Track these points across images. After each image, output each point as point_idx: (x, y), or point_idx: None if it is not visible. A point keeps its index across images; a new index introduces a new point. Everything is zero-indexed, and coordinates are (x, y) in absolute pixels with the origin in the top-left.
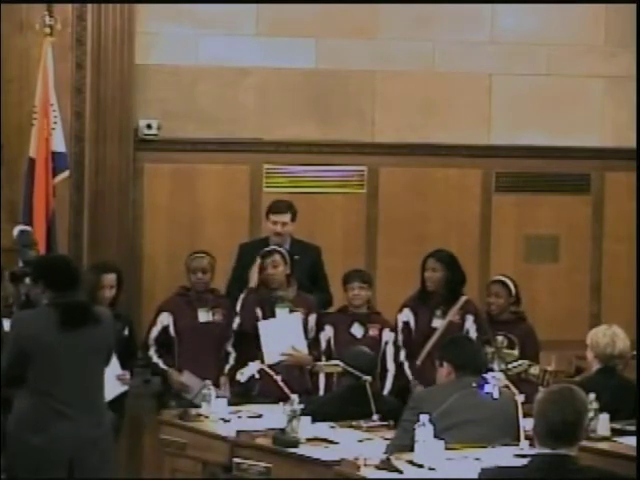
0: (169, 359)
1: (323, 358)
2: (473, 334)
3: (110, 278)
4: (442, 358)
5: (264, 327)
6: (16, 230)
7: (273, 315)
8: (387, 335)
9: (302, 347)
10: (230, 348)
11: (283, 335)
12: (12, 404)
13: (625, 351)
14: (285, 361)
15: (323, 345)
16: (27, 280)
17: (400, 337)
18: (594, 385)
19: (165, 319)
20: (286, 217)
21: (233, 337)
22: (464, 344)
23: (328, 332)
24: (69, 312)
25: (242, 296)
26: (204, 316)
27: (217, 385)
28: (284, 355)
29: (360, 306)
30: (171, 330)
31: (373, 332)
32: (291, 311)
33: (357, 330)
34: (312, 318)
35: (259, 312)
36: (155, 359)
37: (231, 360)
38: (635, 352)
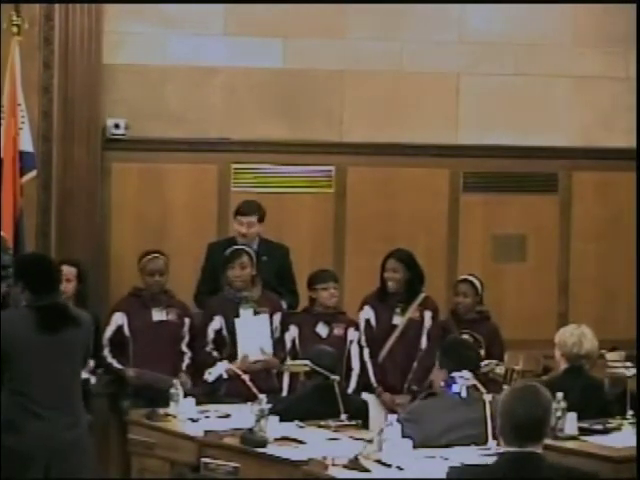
0: (123, 359)
1: (288, 358)
2: (427, 328)
3: (69, 270)
4: (440, 363)
5: (241, 325)
6: None
7: (237, 315)
8: (352, 334)
9: (269, 348)
10: (185, 348)
11: (252, 335)
12: None
13: (593, 351)
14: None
15: (288, 345)
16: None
17: (363, 336)
18: (562, 384)
19: (119, 319)
20: (252, 218)
21: (188, 336)
22: (459, 350)
23: (293, 332)
24: (47, 314)
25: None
26: (158, 315)
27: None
28: (256, 362)
29: (330, 307)
30: (125, 330)
31: (338, 331)
32: (255, 312)
33: (322, 329)
34: (277, 317)
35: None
36: (109, 359)
37: (186, 359)
38: (603, 352)
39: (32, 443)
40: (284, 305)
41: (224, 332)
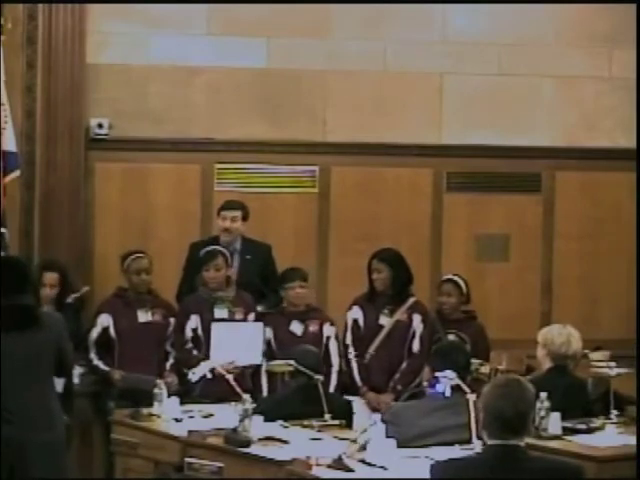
0: (109, 360)
1: (263, 359)
2: (419, 333)
3: (51, 277)
4: (428, 362)
5: (217, 329)
6: None
7: (212, 316)
8: (328, 330)
9: (257, 357)
10: (170, 348)
11: (237, 342)
12: None
13: (578, 351)
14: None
15: (263, 345)
16: None
17: (349, 335)
18: (545, 384)
19: (105, 320)
20: (236, 213)
21: (173, 337)
22: (450, 353)
23: (267, 333)
24: (10, 315)
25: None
26: (143, 316)
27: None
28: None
29: (300, 305)
30: (111, 331)
31: (313, 328)
32: (230, 311)
33: (296, 328)
34: (251, 317)
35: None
36: (95, 361)
37: (171, 359)
38: (587, 351)
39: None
40: (268, 304)
41: (199, 331)
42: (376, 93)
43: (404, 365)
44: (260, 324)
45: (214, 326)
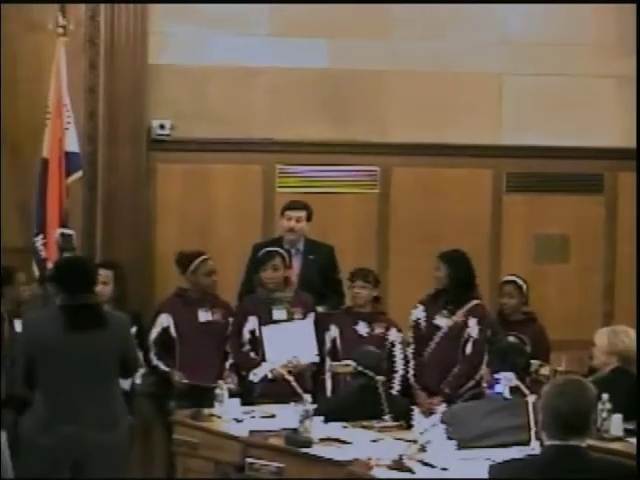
0: (169, 360)
1: (328, 358)
2: (474, 337)
3: (104, 274)
4: (488, 363)
5: (268, 332)
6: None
7: (270, 317)
8: (394, 335)
9: (312, 353)
10: (229, 347)
11: (290, 342)
12: (27, 405)
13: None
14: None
15: (328, 345)
16: None
17: (410, 333)
18: (608, 385)
19: (165, 320)
20: (301, 213)
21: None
22: (509, 354)
23: (333, 332)
24: (76, 315)
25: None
26: (204, 316)
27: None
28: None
29: (362, 305)
30: (172, 331)
31: (379, 330)
32: (288, 312)
33: (363, 328)
34: (310, 317)
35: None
36: (155, 361)
37: (231, 358)
38: None
39: (63, 444)
40: (329, 305)
41: (257, 333)
42: (436, 93)
43: (456, 368)
44: (309, 320)
45: (264, 330)
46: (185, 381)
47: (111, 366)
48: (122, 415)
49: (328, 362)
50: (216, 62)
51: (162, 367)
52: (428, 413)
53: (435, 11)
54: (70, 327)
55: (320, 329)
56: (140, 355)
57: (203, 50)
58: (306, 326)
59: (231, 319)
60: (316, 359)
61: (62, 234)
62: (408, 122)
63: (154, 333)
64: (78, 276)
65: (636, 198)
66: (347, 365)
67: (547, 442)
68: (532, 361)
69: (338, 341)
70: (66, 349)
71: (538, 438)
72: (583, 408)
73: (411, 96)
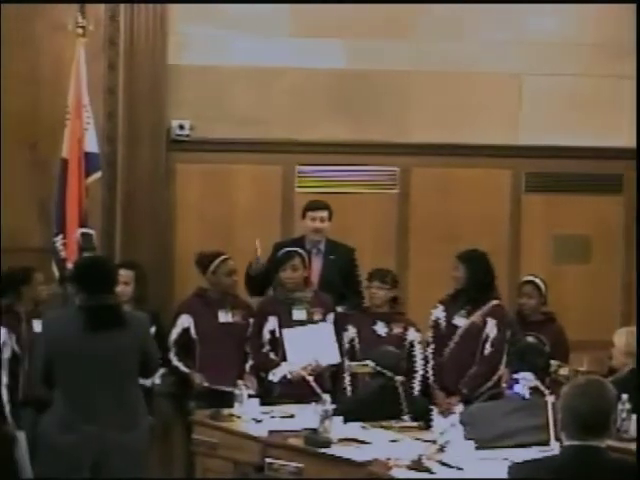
0: (189, 361)
1: (346, 358)
2: (492, 337)
3: (126, 274)
4: (507, 363)
5: (289, 336)
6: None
7: (290, 317)
8: (413, 335)
9: (334, 355)
10: (249, 348)
11: (311, 344)
12: (47, 405)
13: None
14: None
15: (346, 345)
16: None
17: (430, 333)
18: (627, 385)
19: (185, 321)
20: (324, 213)
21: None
22: (528, 355)
23: (351, 332)
24: (95, 316)
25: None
26: (224, 317)
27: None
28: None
29: (380, 305)
30: (192, 332)
31: (397, 330)
32: (308, 312)
33: (381, 329)
34: (330, 318)
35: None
36: (175, 362)
37: (250, 360)
38: None
39: (81, 444)
40: (349, 306)
41: (277, 333)
42: (455, 94)
43: (473, 369)
44: (330, 322)
45: (285, 334)
46: (205, 384)
47: (131, 366)
48: (142, 415)
49: (346, 362)
50: (236, 63)
51: (182, 368)
52: (446, 413)
53: (453, 11)
54: (89, 328)
55: (338, 329)
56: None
57: (223, 51)
58: (326, 328)
59: (251, 320)
60: (338, 360)
61: (83, 234)
62: (427, 122)
63: (174, 334)
64: (98, 276)
65: (636, 198)
66: (366, 365)
67: (566, 442)
68: (551, 361)
69: (356, 341)
70: (85, 350)
71: (557, 438)
72: (603, 408)
73: (430, 96)
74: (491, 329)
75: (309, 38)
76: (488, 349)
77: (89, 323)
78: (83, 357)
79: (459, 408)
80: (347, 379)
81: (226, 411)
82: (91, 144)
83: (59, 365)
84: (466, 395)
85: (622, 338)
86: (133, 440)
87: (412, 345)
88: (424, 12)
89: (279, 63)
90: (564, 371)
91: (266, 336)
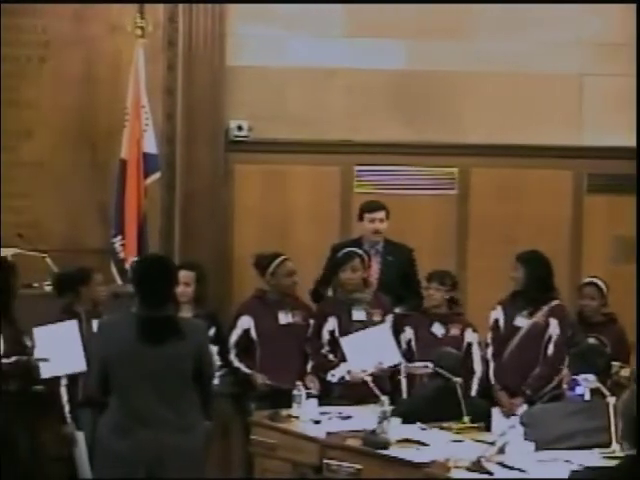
0: (250, 363)
1: (403, 359)
2: (555, 338)
3: (187, 275)
4: (568, 365)
5: (347, 343)
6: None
7: (350, 318)
8: (470, 336)
9: (395, 356)
10: (309, 349)
11: (371, 348)
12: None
13: None
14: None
15: (403, 346)
16: None
17: (490, 334)
18: None
19: (246, 323)
20: (382, 213)
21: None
22: (589, 356)
23: (408, 334)
24: (149, 327)
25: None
26: (284, 318)
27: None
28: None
29: (437, 306)
30: (252, 333)
31: (455, 331)
32: (367, 313)
33: (438, 330)
34: (389, 319)
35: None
36: (236, 363)
37: (311, 360)
38: None
39: (137, 448)
40: (408, 307)
41: (337, 334)
42: (515, 94)
43: (537, 370)
44: (387, 324)
45: (342, 342)
46: (268, 382)
47: (186, 374)
48: (198, 419)
49: (404, 363)
50: (293, 63)
51: (244, 369)
52: (510, 414)
53: (513, 11)
54: (144, 340)
55: (396, 330)
56: (217, 357)
57: (280, 51)
58: (384, 330)
59: (312, 321)
60: (400, 361)
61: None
62: (486, 123)
63: (235, 335)
64: (156, 284)
65: (636, 198)
66: (424, 366)
67: (627, 451)
68: (613, 363)
69: (413, 342)
70: (139, 359)
71: (619, 441)
72: None
73: (489, 97)
74: (554, 329)
75: (365, 38)
76: (551, 349)
77: (144, 334)
78: (137, 366)
79: (522, 409)
80: (404, 381)
81: (284, 412)
82: (150, 145)
83: (113, 372)
84: (530, 396)
85: None
86: (189, 442)
87: (470, 346)
88: (484, 12)
89: (335, 63)
90: (625, 372)
91: (325, 337)
